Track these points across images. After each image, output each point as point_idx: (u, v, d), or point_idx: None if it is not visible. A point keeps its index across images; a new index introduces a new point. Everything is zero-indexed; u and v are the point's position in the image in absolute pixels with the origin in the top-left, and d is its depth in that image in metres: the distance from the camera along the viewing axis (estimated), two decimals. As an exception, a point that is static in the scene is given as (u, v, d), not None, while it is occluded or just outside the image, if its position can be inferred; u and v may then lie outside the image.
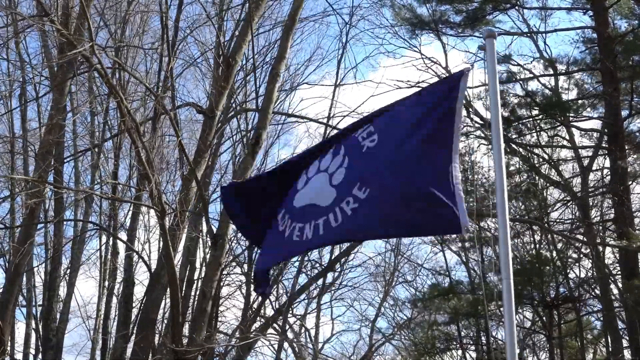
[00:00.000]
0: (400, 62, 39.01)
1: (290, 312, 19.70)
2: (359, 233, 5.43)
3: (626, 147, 17.77)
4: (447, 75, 5.01)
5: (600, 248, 18.22)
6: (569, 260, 19.48)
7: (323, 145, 5.65)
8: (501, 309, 18.77)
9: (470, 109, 17.85)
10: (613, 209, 17.78)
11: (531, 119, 18.45)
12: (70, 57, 12.67)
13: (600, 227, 18.92)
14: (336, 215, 5.14)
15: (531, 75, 19.58)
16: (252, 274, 6.02)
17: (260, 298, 17.94)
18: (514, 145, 18.31)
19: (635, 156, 18.68)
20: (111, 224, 19.77)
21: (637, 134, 19.44)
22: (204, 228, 16.57)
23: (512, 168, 18.82)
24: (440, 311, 20.15)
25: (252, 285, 5.66)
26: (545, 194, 18.78)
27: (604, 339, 19.52)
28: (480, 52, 20.12)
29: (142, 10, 19.55)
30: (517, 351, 4.96)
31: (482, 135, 17.37)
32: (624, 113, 17.99)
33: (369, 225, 5.11)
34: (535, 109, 18.46)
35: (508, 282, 4.91)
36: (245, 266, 18.31)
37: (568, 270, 19.16)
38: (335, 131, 20.27)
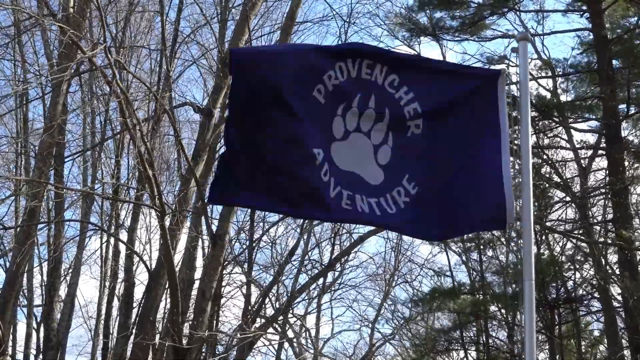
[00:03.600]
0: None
1: (291, 311, 19.72)
2: (412, 233, 5.26)
3: (624, 149, 17.85)
4: (483, 68, 4.93)
5: (601, 247, 18.28)
6: (570, 260, 19.54)
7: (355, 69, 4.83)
8: (502, 310, 18.94)
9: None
10: (612, 210, 17.87)
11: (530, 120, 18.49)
12: (81, 60, 12.64)
13: (601, 228, 18.99)
14: (389, 203, 4.86)
15: (530, 77, 19.63)
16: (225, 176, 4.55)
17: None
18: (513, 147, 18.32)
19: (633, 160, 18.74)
20: (111, 224, 19.74)
21: (634, 135, 19.55)
22: (204, 228, 16.55)
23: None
24: (440, 312, 20.22)
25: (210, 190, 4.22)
26: (546, 195, 18.81)
27: (604, 340, 19.57)
28: (478, 54, 20.23)
29: (140, 11, 19.54)
30: (535, 352, 5.01)
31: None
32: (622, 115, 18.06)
33: (423, 228, 4.97)
34: (533, 111, 18.52)
35: (530, 284, 4.96)
36: (246, 265, 18.35)
37: (569, 271, 19.22)
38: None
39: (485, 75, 4.92)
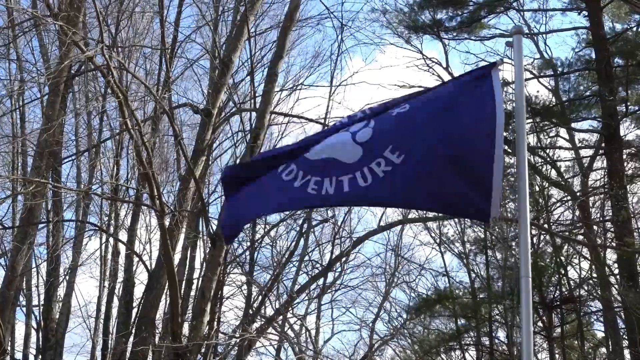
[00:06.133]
0: (401, 62, 38.84)
1: (291, 312, 19.70)
2: (391, 200, 5.20)
3: (623, 148, 17.84)
4: (475, 68, 4.87)
5: (600, 248, 18.26)
6: (569, 260, 19.51)
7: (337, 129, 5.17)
8: (502, 311, 18.90)
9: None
10: (611, 210, 17.85)
11: (531, 121, 18.49)
12: (81, 60, 12.67)
13: (600, 228, 18.97)
14: (364, 175, 4.84)
15: (531, 76, 19.67)
16: (225, 217, 5.81)
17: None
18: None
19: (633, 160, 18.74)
20: (110, 224, 19.73)
21: (632, 134, 19.57)
22: (204, 228, 16.56)
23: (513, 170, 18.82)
24: (439, 316, 20.23)
25: (222, 227, 5.13)
26: (545, 194, 18.80)
27: (604, 340, 19.54)
28: (482, 54, 20.23)
29: (140, 11, 19.52)
30: (532, 350, 4.98)
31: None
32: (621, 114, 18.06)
33: (403, 194, 4.90)
34: (530, 112, 18.50)
35: (527, 280, 4.94)
36: (247, 266, 18.35)
37: (569, 270, 19.20)
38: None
39: (480, 70, 4.88)
